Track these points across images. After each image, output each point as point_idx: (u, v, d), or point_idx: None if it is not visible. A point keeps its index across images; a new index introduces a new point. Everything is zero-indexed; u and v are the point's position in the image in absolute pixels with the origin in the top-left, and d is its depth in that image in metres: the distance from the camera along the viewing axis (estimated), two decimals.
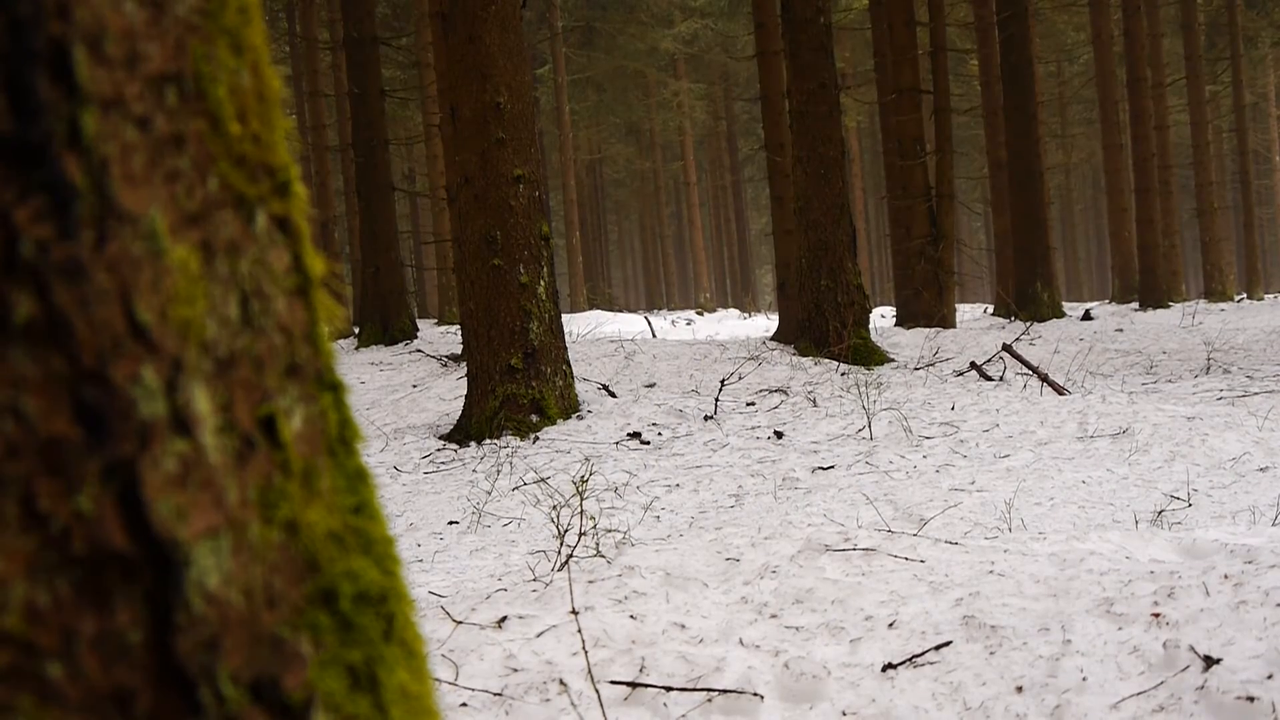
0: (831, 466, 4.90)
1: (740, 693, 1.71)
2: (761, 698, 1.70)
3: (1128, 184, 21.14)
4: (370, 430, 6.79)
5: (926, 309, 12.98)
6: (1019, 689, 1.63)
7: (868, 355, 8.61)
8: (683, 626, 1.97)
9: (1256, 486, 4.12)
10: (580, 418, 6.29)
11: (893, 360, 8.68)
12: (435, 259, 20.07)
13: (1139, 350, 9.72)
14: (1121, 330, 12.66)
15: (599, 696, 1.66)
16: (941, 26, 14.87)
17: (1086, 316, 15.58)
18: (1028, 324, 12.98)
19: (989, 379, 7.50)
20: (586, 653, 1.78)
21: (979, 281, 37.76)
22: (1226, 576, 1.83)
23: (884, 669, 1.74)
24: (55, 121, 0.45)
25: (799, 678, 1.75)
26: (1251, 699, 1.50)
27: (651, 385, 7.50)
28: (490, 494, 4.88)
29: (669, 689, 1.70)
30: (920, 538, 2.35)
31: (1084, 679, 1.62)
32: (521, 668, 1.79)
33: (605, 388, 7.14)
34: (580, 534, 3.18)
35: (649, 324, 17.76)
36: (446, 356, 10.18)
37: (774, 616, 1.99)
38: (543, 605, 2.05)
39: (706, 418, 6.19)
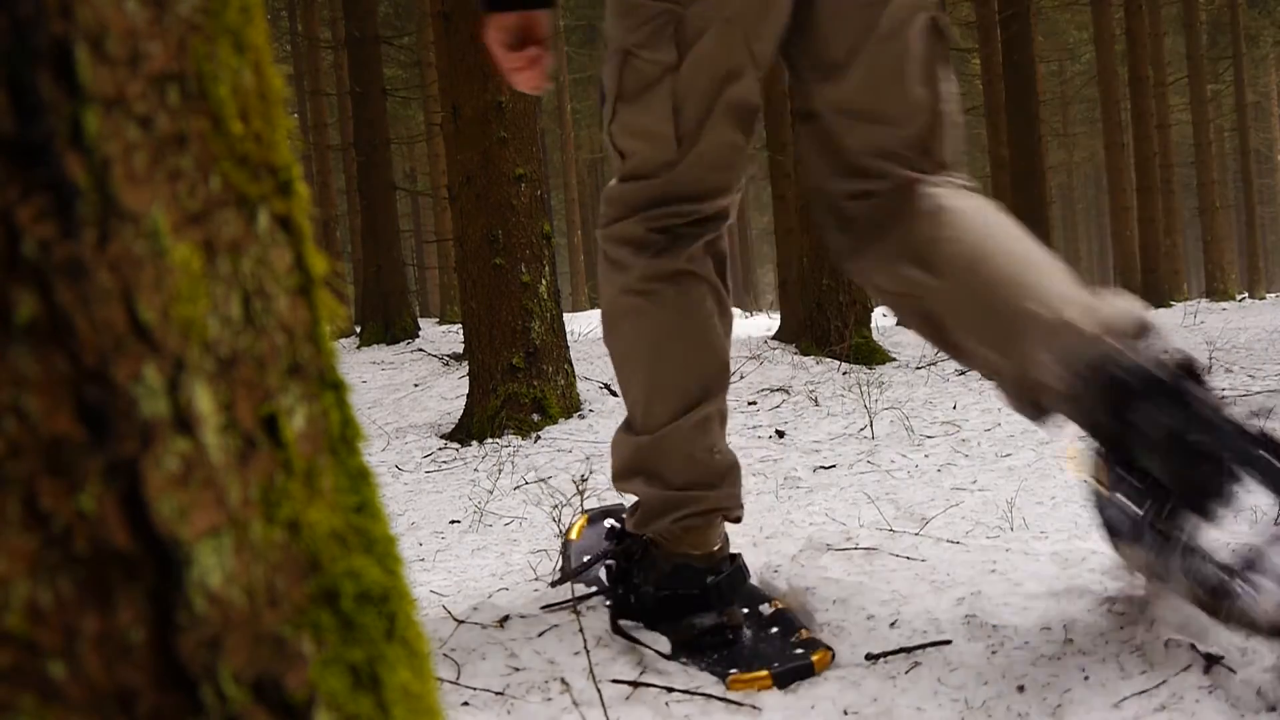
0: (833, 465, 4.90)
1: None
2: (763, 695, 1.70)
3: (1129, 183, 21.13)
4: (372, 429, 6.79)
5: None
6: (1020, 688, 1.63)
7: (870, 354, 8.61)
8: None
9: (1259, 485, 4.12)
10: (582, 417, 6.29)
11: (895, 359, 8.68)
12: (437, 258, 20.08)
13: None
14: None
15: (600, 696, 1.66)
16: None
17: None
18: None
19: None
20: (588, 652, 1.78)
21: None
22: None
23: (886, 668, 1.74)
24: (57, 121, 0.45)
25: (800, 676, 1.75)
26: (1256, 697, 1.50)
27: None
28: (492, 493, 4.88)
29: (670, 689, 1.70)
30: (922, 537, 2.35)
31: (1086, 678, 1.62)
32: (523, 667, 1.79)
33: (607, 387, 7.14)
34: None
35: None
36: (448, 355, 10.18)
37: None
38: (545, 604, 2.05)
39: None
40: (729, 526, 1.96)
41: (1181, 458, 1.38)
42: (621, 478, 1.87)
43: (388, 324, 12.96)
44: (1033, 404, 1.57)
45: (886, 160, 1.67)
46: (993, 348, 1.56)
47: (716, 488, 1.82)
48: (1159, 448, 1.39)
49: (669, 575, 1.81)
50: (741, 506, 1.88)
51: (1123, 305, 1.48)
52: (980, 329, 1.56)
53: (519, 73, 1.72)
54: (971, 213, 1.62)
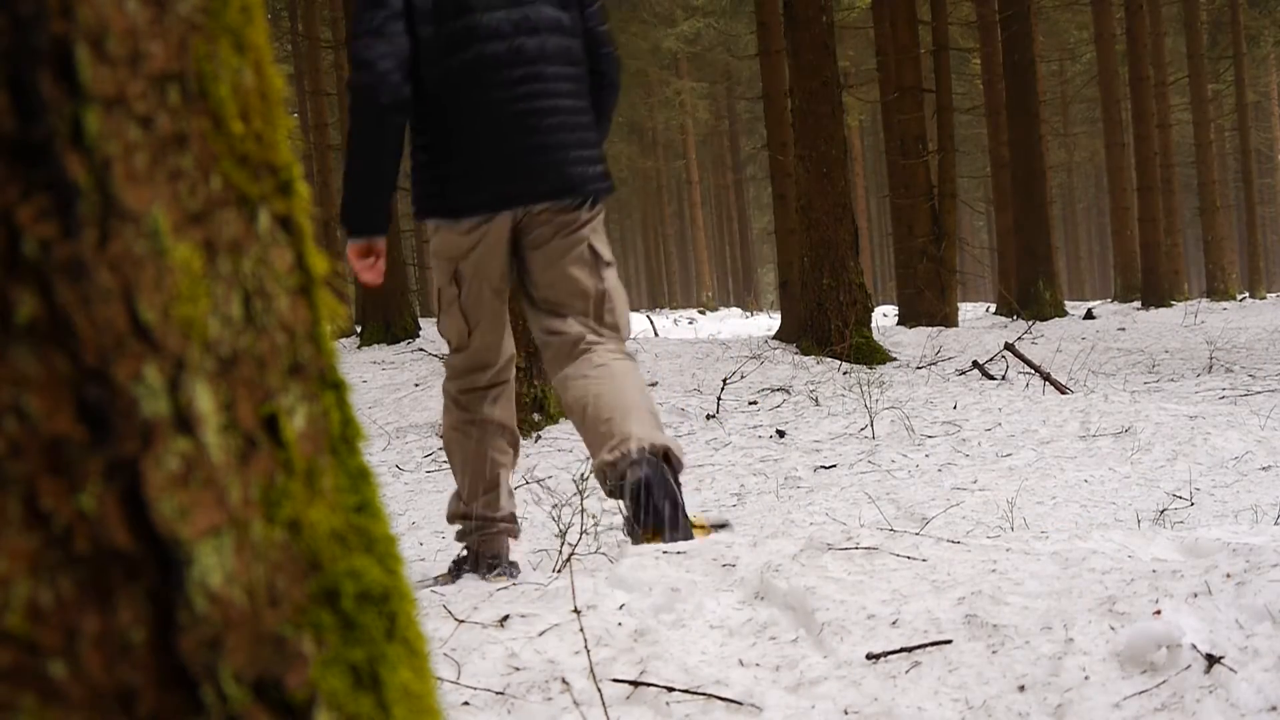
0: (834, 465, 4.90)
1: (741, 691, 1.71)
2: (763, 694, 1.70)
3: (1130, 183, 21.13)
4: (373, 429, 6.79)
5: (929, 308, 12.98)
6: (1021, 688, 1.63)
7: (870, 354, 8.61)
8: (684, 626, 1.97)
9: (1259, 485, 4.12)
10: None
11: (895, 359, 8.68)
12: None
13: (1141, 349, 9.72)
14: (1124, 329, 12.66)
15: (601, 695, 1.66)
16: (944, 25, 14.88)
17: (1089, 315, 15.57)
18: (1030, 323, 12.97)
19: (991, 378, 7.50)
20: (589, 651, 1.78)
21: (981, 280, 37.79)
22: (1229, 575, 1.83)
23: (887, 667, 1.74)
24: (58, 120, 0.45)
25: (801, 675, 1.75)
26: (1256, 696, 1.50)
27: (654, 384, 7.51)
28: None
29: (671, 689, 1.70)
30: (923, 537, 2.35)
31: (1086, 678, 1.62)
32: (524, 666, 1.79)
33: None
34: (582, 532, 3.19)
35: (651, 323, 17.78)
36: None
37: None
38: (545, 604, 2.06)
39: (709, 416, 6.19)
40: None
41: (638, 506, 2.74)
42: (452, 520, 3.19)
43: (388, 323, 12.95)
44: (602, 477, 2.88)
45: (565, 322, 3.00)
46: (590, 444, 2.92)
47: (499, 523, 3.13)
48: (634, 499, 2.75)
49: (476, 566, 3.12)
50: (517, 531, 3.22)
51: (656, 438, 2.82)
52: (587, 431, 2.92)
53: (365, 273, 2.91)
54: (610, 366, 2.95)
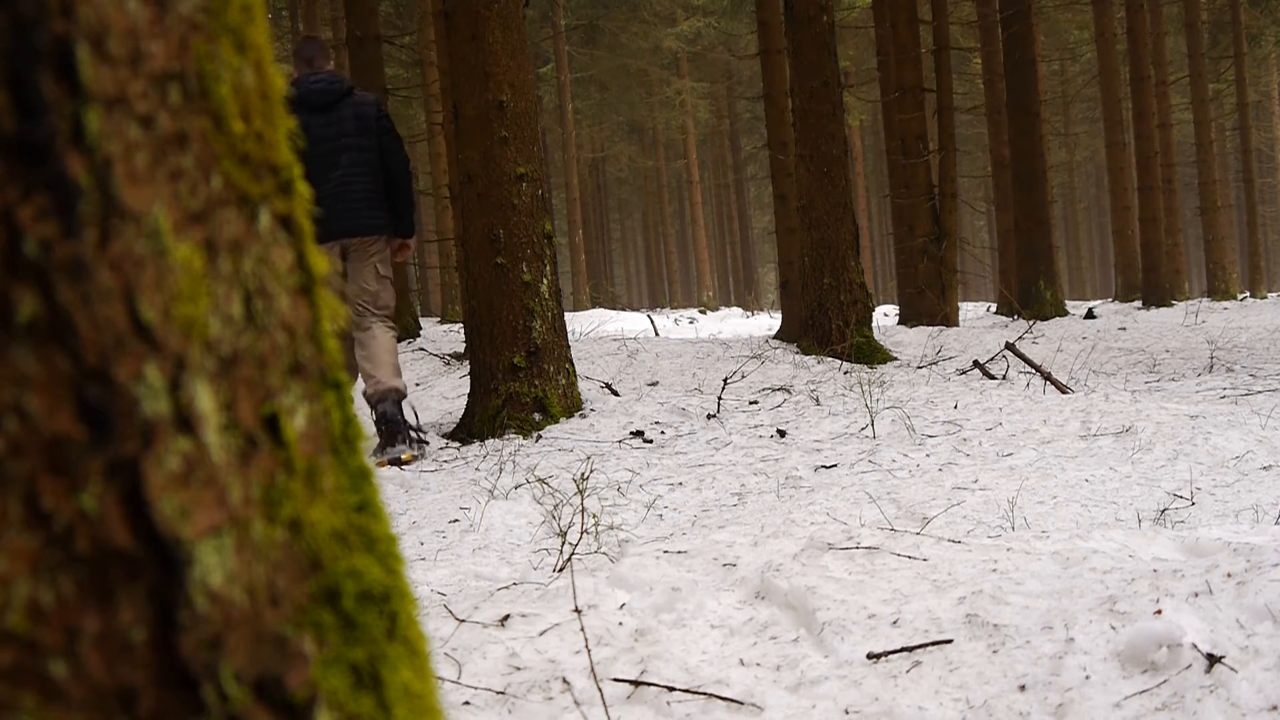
0: (834, 465, 4.90)
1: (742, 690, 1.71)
2: (764, 694, 1.70)
3: (1131, 182, 21.13)
4: (373, 429, 6.79)
5: (929, 307, 12.97)
6: (1022, 687, 1.63)
7: (871, 354, 8.61)
8: (685, 625, 1.97)
9: (1260, 485, 4.12)
10: (583, 416, 6.29)
11: (896, 359, 8.68)
12: (438, 257, 20.11)
13: (1142, 349, 9.71)
14: (1124, 329, 12.65)
15: (602, 695, 1.66)
16: (945, 24, 14.87)
17: (1089, 315, 15.57)
18: (1031, 322, 12.97)
19: (992, 377, 7.49)
20: (589, 651, 1.78)
21: (982, 280, 37.79)
22: (1230, 575, 1.83)
23: (888, 667, 1.74)
24: (59, 120, 0.45)
25: (802, 675, 1.75)
26: (1257, 695, 1.50)
27: (654, 384, 7.50)
28: (493, 492, 4.88)
29: (672, 689, 1.70)
30: (923, 536, 2.35)
31: (1087, 677, 1.62)
32: (524, 666, 1.79)
33: (608, 386, 7.14)
34: (583, 532, 3.19)
35: (652, 322, 17.77)
36: (449, 355, 10.18)
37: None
38: (545, 604, 2.06)
39: (709, 416, 6.19)
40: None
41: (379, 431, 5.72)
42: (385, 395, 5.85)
43: None
44: (366, 399, 5.70)
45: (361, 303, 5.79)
46: (363, 376, 5.70)
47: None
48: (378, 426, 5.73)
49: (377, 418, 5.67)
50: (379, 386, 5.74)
51: (393, 382, 5.74)
52: (363, 365, 5.72)
53: None
54: (375, 333, 5.72)
